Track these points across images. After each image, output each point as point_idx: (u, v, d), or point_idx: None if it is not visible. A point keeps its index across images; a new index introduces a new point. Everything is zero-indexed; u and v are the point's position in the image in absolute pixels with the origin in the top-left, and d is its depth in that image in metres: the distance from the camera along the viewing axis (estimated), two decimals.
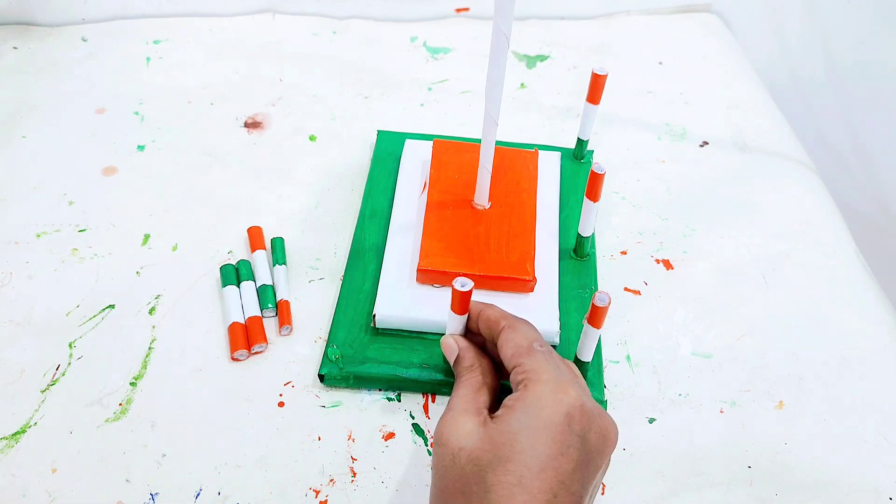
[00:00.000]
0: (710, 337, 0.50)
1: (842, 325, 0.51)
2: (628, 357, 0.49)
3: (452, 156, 0.55)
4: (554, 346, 0.47)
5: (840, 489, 0.43)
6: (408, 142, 0.59)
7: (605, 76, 0.53)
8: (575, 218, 0.54)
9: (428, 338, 0.48)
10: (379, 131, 0.62)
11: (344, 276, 0.51)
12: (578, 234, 0.52)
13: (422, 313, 0.47)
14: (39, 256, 0.53)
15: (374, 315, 0.48)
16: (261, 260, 0.52)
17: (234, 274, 0.51)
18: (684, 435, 0.45)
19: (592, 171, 0.47)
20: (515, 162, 0.55)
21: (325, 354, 0.47)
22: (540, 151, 0.58)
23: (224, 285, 0.51)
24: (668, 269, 0.54)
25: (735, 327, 0.51)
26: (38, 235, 0.55)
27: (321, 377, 0.46)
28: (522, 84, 0.70)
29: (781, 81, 0.80)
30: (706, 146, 0.64)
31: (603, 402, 0.45)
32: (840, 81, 0.80)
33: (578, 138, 0.59)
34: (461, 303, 0.40)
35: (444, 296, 0.48)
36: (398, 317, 0.48)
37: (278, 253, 0.53)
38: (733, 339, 0.50)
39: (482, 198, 0.51)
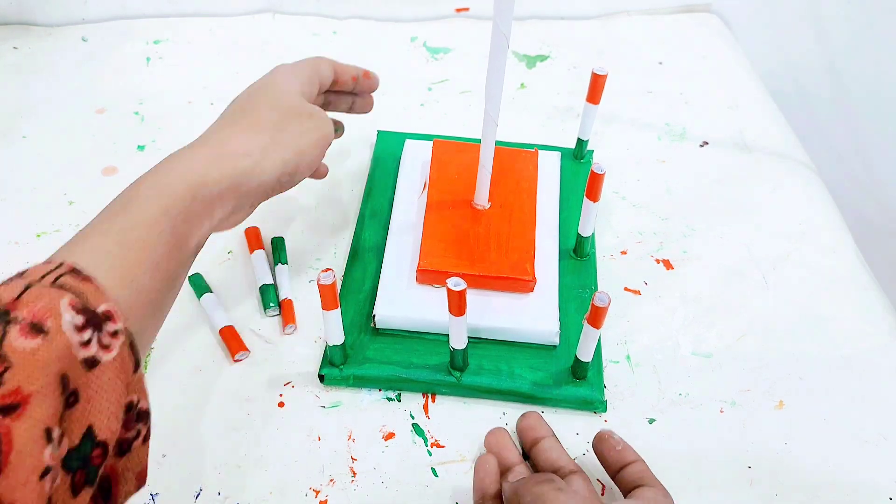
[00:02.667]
0: (710, 337, 0.50)
1: (842, 325, 0.51)
2: (628, 357, 0.49)
3: (452, 156, 0.55)
4: (553, 347, 0.47)
5: (840, 489, 0.43)
6: (408, 142, 0.59)
7: (605, 76, 0.53)
8: (575, 218, 0.54)
9: (428, 338, 0.48)
10: (379, 131, 0.62)
11: (344, 276, 0.51)
12: (578, 234, 0.52)
13: (422, 314, 0.47)
14: (39, 256, 0.53)
15: (374, 315, 0.48)
16: (259, 260, 0.52)
17: (203, 282, 0.52)
18: (684, 435, 0.45)
19: (592, 171, 0.47)
20: (515, 162, 0.55)
21: (325, 355, 0.47)
22: (540, 151, 0.58)
23: (199, 295, 0.51)
24: (668, 269, 0.54)
25: (735, 327, 0.51)
26: (38, 235, 0.55)
27: (321, 377, 0.46)
28: (522, 84, 0.70)
29: (781, 81, 0.80)
30: (706, 146, 0.64)
31: (603, 403, 0.45)
32: (840, 81, 0.80)
33: (578, 138, 0.59)
34: (458, 303, 0.40)
35: (444, 296, 0.48)
36: (398, 317, 0.48)
37: (280, 252, 0.53)
38: (733, 339, 0.50)
39: (482, 198, 0.51)
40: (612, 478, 0.40)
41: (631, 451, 0.40)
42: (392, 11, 0.77)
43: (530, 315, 0.48)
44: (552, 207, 0.55)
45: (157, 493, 0.41)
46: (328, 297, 0.41)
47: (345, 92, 0.54)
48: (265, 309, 0.50)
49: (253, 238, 0.54)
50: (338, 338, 0.44)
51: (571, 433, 0.45)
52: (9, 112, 0.65)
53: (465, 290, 0.39)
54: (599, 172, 0.46)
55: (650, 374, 0.48)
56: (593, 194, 0.48)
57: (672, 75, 0.72)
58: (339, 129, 0.54)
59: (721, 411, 0.46)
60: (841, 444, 0.44)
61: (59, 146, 0.62)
